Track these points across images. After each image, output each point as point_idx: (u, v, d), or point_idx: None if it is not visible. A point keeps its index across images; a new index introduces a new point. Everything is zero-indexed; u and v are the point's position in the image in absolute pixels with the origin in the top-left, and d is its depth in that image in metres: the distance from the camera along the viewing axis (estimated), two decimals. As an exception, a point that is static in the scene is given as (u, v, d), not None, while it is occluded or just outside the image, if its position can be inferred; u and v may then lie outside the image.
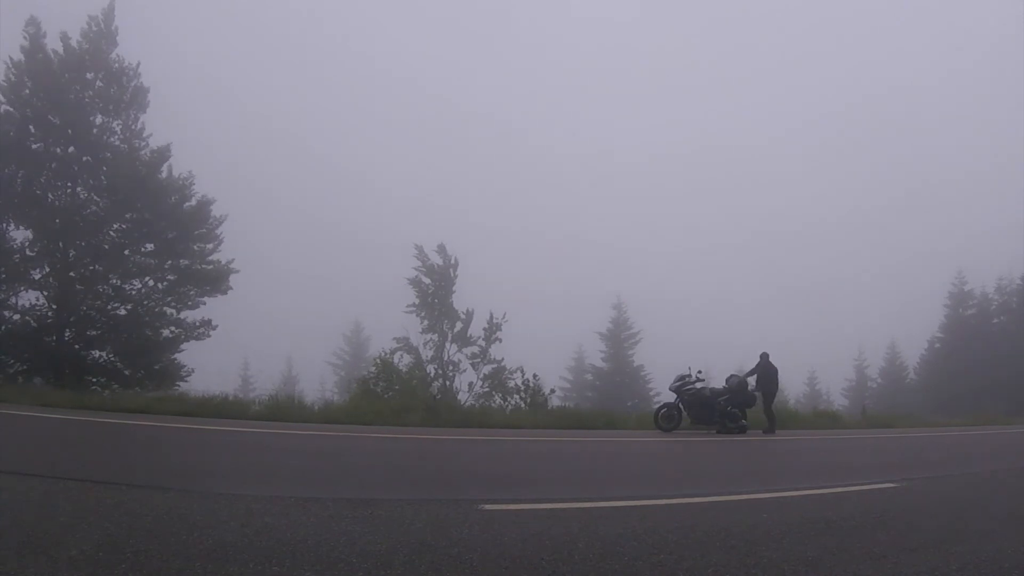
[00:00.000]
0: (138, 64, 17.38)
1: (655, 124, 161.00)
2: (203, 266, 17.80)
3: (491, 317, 17.77)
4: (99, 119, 17.09)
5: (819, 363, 47.70)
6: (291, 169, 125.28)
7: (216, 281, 17.68)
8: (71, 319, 16.57)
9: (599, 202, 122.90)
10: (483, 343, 17.73)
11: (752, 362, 13.37)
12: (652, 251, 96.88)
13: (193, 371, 18.00)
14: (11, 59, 16.11)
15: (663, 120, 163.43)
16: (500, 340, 17.56)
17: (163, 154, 17.50)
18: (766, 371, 12.82)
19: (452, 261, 18.51)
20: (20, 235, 16.36)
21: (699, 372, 12.30)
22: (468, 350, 17.90)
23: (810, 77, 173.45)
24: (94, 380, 16.47)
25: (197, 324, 17.71)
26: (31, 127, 16.33)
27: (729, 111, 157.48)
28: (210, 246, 17.88)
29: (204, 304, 17.79)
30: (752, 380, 12.71)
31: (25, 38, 16.22)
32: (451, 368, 17.87)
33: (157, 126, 18.07)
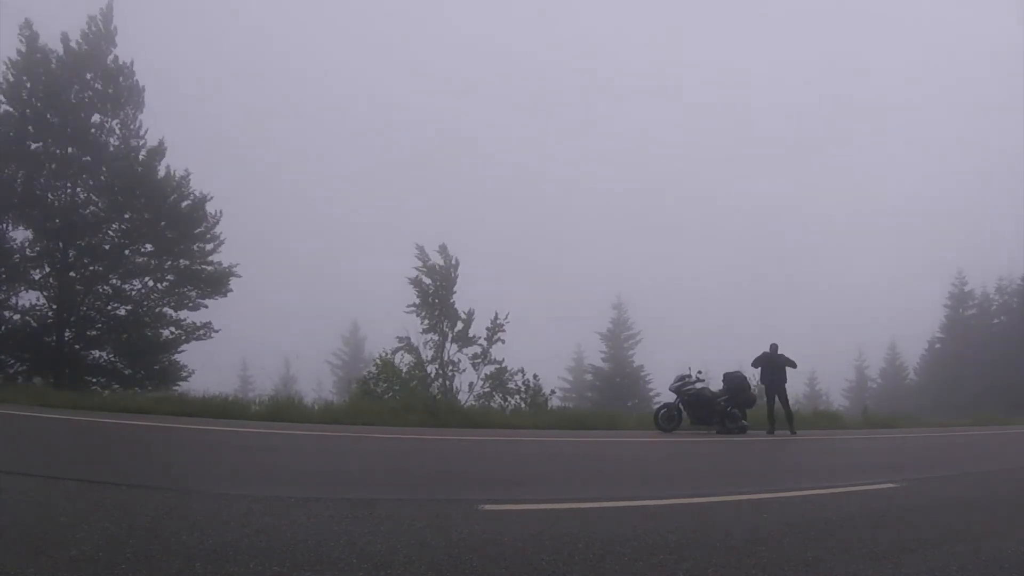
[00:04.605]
0: (132, 62, 17.38)
1: (659, 122, 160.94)
2: (203, 267, 17.79)
3: (495, 316, 17.74)
4: (97, 119, 17.11)
5: (819, 363, 47.73)
6: (291, 168, 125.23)
7: (216, 283, 17.67)
8: (71, 319, 16.57)
9: (599, 202, 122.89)
10: (484, 343, 17.71)
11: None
12: (653, 251, 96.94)
13: (193, 372, 18.01)
14: (9, 60, 16.13)
15: (668, 117, 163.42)
16: (503, 341, 17.53)
17: (160, 153, 17.51)
18: (774, 363, 12.57)
19: (453, 261, 18.48)
20: (20, 235, 16.38)
21: (699, 372, 12.29)
22: (469, 350, 17.88)
23: (815, 84, 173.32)
24: (94, 380, 16.47)
25: (198, 326, 17.70)
26: (30, 127, 16.33)
27: (733, 112, 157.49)
28: (210, 247, 17.88)
29: (206, 307, 17.78)
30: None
31: (21, 41, 16.23)
32: (451, 368, 17.84)
33: (155, 125, 18.10)
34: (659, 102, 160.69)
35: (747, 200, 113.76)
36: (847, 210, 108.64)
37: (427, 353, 17.56)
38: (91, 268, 16.94)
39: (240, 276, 18.00)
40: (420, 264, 18.30)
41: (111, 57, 17.18)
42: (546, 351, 38.53)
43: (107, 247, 17.00)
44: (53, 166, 16.51)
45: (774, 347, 12.73)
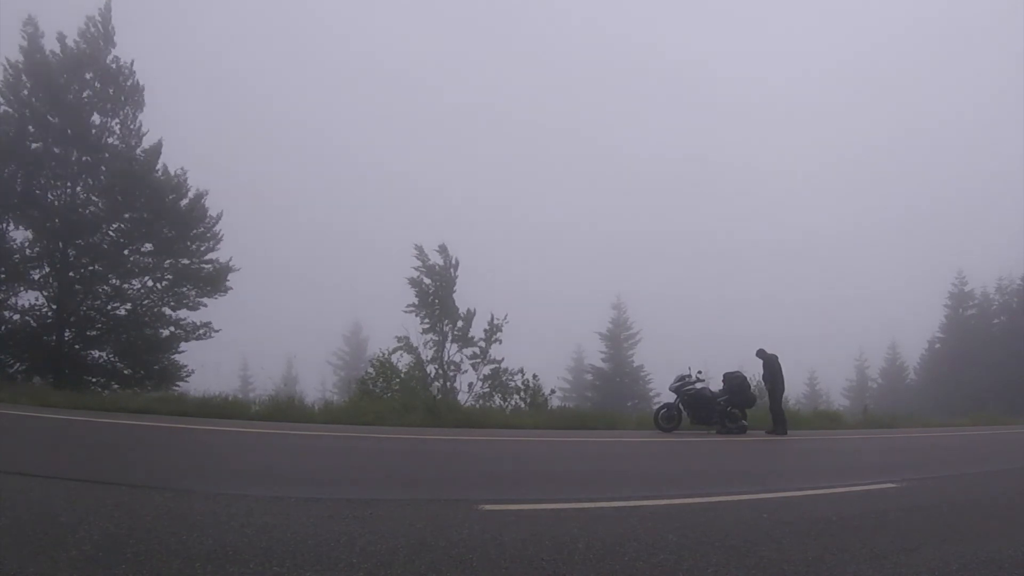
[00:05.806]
0: (132, 62, 17.38)
1: (662, 123, 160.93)
2: (202, 265, 17.79)
3: (491, 318, 17.78)
4: (97, 119, 17.11)
5: (819, 363, 47.73)
6: (291, 168, 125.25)
7: (215, 281, 17.67)
8: (71, 319, 16.57)
9: (600, 200, 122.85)
10: (483, 343, 17.73)
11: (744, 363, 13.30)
12: (653, 251, 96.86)
13: (193, 371, 18.00)
14: (9, 60, 16.13)
15: (671, 119, 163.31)
16: (500, 340, 17.56)
17: (160, 152, 17.51)
18: (770, 365, 12.58)
19: (453, 261, 18.50)
20: (20, 235, 16.39)
21: (699, 372, 12.28)
22: (468, 350, 17.90)
23: (815, 85, 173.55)
24: (94, 380, 16.47)
25: (198, 325, 17.71)
26: (30, 127, 16.33)
27: (736, 113, 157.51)
28: (207, 245, 17.88)
29: (205, 306, 17.78)
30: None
31: (23, 38, 16.22)
32: (451, 368, 17.85)
33: (155, 125, 18.11)
34: (673, 113, 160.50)
35: (752, 203, 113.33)
36: (851, 214, 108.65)
37: (427, 353, 17.59)
38: (91, 268, 16.94)
39: (238, 269, 18.01)
40: (419, 264, 18.32)
41: (110, 57, 17.18)
42: (547, 351, 38.59)
43: (107, 247, 17.00)
44: (53, 166, 16.51)
45: (761, 351, 12.76)
